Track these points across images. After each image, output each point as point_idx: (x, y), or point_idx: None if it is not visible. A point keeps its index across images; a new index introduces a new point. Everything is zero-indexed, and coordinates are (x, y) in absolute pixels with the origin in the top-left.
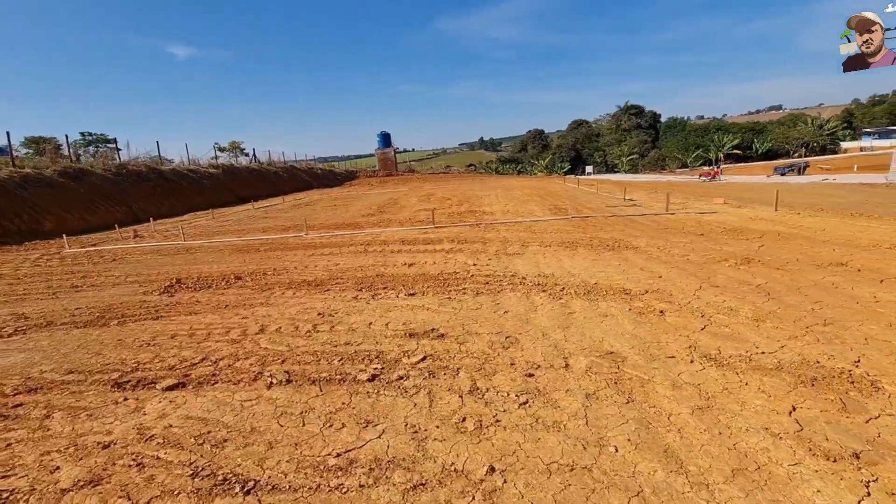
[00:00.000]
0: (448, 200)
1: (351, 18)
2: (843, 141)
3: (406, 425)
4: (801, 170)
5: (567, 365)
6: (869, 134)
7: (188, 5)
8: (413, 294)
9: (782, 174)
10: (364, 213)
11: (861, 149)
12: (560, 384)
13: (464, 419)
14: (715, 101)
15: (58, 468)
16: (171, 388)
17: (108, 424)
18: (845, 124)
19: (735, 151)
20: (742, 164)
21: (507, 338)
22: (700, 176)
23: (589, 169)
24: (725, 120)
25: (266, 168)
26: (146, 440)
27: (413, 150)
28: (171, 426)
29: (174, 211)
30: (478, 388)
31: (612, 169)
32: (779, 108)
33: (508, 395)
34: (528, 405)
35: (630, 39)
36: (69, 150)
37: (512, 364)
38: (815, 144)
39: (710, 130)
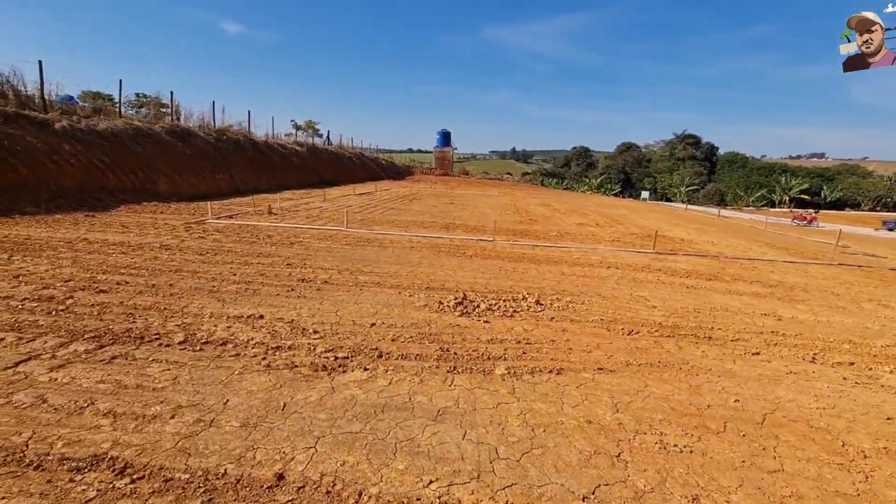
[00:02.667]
0: (586, 216)
1: (393, 17)
2: None
3: None
4: None
5: None
6: None
7: None
8: None
9: (891, 229)
10: (513, 220)
11: None
12: None
13: None
14: (752, 140)
15: None
16: None
17: None
18: None
19: (803, 196)
20: (813, 210)
21: None
22: (794, 219)
23: (645, 195)
24: (763, 160)
25: (341, 152)
26: None
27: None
28: None
29: (270, 186)
30: None
31: (666, 198)
32: (822, 155)
33: None
34: None
35: (671, 69)
36: (171, 109)
37: None
38: (888, 199)
39: (775, 171)
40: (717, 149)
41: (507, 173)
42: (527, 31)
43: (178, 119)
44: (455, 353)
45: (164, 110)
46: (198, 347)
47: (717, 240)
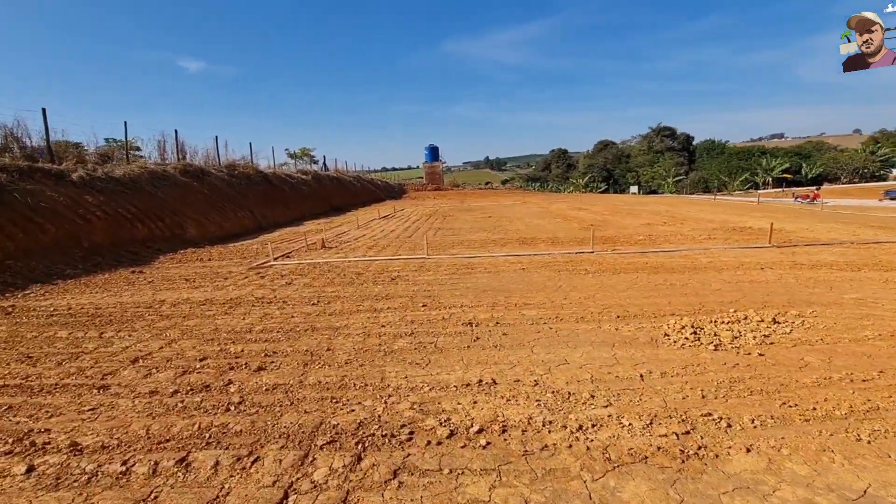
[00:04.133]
0: (638, 216)
1: (355, 42)
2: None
3: None
4: None
5: None
6: None
7: (197, 21)
8: None
9: (893, 198)
10: (576, 228)
11: None
12: None
13: None
14: (715, 126)
15: None
16: None
17: None
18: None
19: (785, 175)
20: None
21: None
22: (796, 198)
23: (633, 189)
24: (729, 146)
25: (342, 177)
26: None
27: (418, 166)
28: None
29: (288, 218)
30: None
31: (651, 190)
32: (781, 136)
33: None
34: None
35: (631, 67)
36: (176, 148)
37: None
38: (865, 171)
39: (753, 154)
40: (693, 138)
41: (487, 182)
42: (487, 43)
43: (185, 157)
44: (821, 414)
45: (138, 153)
46: (482, 443)
47: (807, 225)
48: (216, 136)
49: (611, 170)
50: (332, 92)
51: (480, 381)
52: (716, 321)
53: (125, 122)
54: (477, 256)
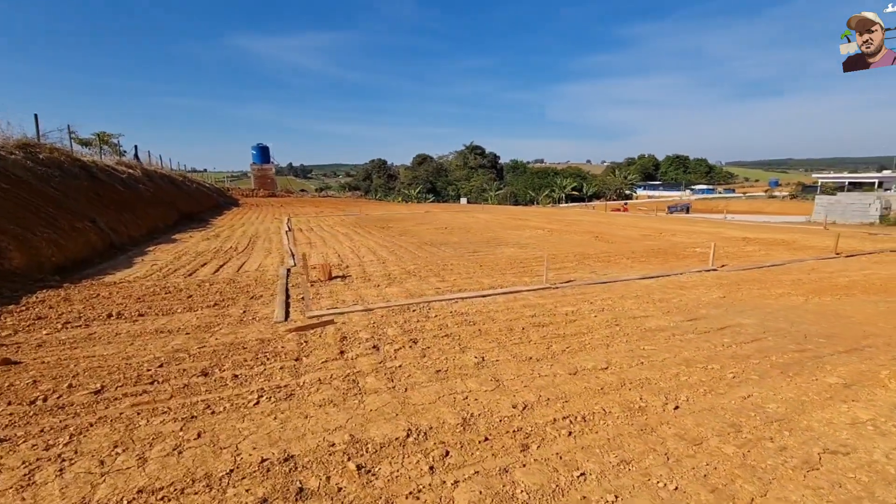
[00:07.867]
0: (626, 228)
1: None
2: (636, 191)
3: None
4: (687, 209)
5: None
6: (639, 187)
7: None
8: None
9: (671, 213)
10: (594, 244)
11: (649, 196)
12: None
13: None
14: (501, 148)
15: None
16: None
17: None
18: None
19: (574, 192)
20: (624, 202)
21: None
22: (612, 210)
23: (463, 201)
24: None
25: (174, 176)
26: None
27: (206, 170)
28: None
29: (142, 231)
30: None
31: (471, 201)
32: (541, 161)
33: None
34: None
35: (426, 89)
36: None
37: None
38: (619, 190)
39: (548, 174)
40: (500, 157)
41: (302, 189)
42: (278, 45)
43: None
44: None
45: None
46: None
47: (781, 236)
48: None
49: (433, 182)
50: (83, 69)
51: None
52: None
53: None
54: (611, 282)
